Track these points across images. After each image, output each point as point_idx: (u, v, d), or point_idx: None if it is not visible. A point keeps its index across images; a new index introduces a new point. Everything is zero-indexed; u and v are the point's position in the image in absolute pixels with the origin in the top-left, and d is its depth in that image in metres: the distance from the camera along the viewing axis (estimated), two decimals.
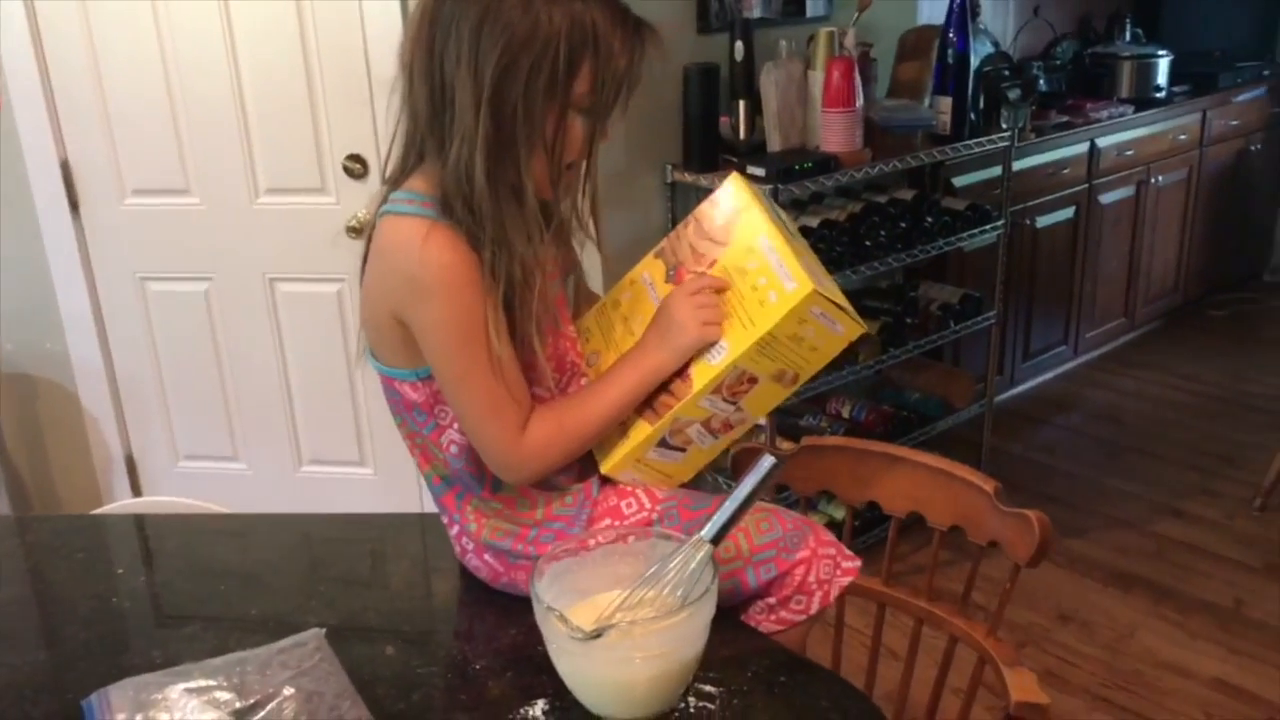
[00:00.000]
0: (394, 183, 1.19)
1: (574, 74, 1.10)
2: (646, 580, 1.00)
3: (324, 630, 1.13)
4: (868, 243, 2.72)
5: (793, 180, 2.52)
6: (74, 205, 2.71)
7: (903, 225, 2.79)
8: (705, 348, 1.21)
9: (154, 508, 1.60)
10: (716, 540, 1.00)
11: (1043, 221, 3.65)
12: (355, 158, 2.58)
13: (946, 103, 2.86)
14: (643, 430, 1.25)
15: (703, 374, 1.22)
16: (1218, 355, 4.26)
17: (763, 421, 2.41)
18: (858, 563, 1.30)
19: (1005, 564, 1.45)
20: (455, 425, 1.21)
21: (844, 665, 1.65)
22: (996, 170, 3.22)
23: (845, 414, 3.00)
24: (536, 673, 1.07)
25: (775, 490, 2.70)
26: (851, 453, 1.66)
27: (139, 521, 1.55)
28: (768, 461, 0.99)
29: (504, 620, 1.21)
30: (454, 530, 1.29)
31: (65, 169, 2.68)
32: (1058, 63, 4.11)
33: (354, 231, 2.59)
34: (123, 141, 2.65)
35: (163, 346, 2.86)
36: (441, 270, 1.10)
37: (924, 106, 2.88)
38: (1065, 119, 3.70)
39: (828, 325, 1.20)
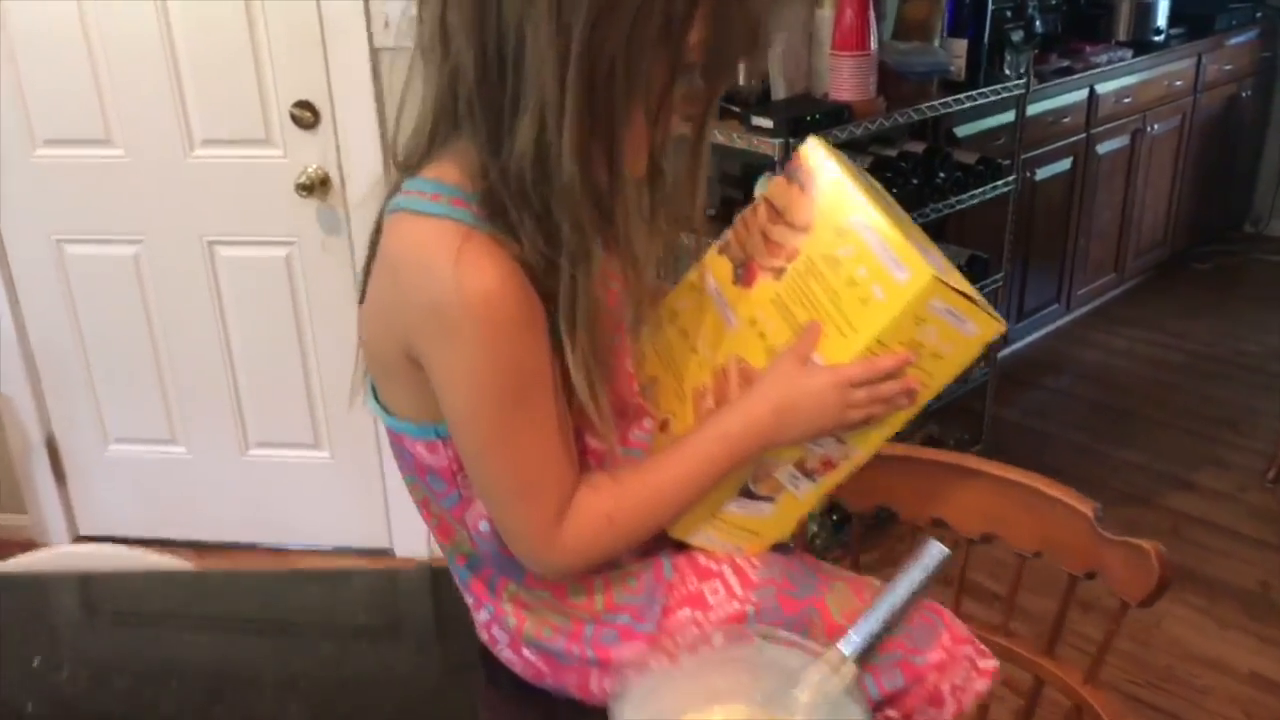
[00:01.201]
0: (410, 166, 0.89)
1: (691, 16, 0.80)
2: (765, 702, 0.75)
3: None
4: None
5: (804, 132, 2.23)
6: None
7: (915, 182, 2.54)
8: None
9: (87, 559, 1.29)
10: (862, 659, 0.74)
11: (1041, 174, 3.43)
12: (305, 105, 2.25)
13: (961, 45, 2.61)
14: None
15: None
16: (1206, 311, 4.11)
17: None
18: (995, 662, 1.05)
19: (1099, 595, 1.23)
20: None
21: None
22: (999, 120, 2.99)
23: None
24: None
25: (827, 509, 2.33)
26: (916, 463, 1.43)
27: (66, 585, 1.22)
28: (936, 551, 0.74)
29: None
30: (482, 616, 1.01)
31: None
32: (1052, 2, 3.86)
33: (304, 189, 2.28)
34: (31, 83, 2.29)
35: (86, 317, 2.52)
36: (481, 300, 0.81)
37: (937, 49, 2.61)
38: (1065, 64, 3.47)
39: (955, 324, 0.92)
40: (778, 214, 1.01)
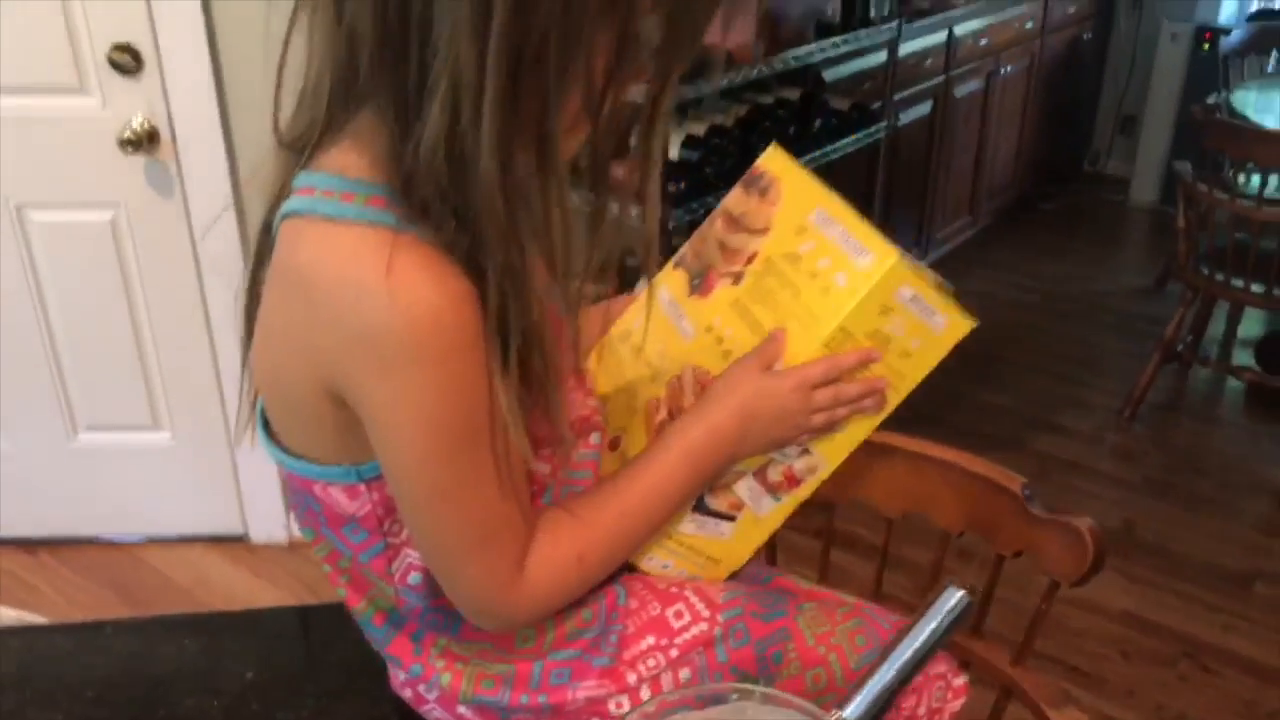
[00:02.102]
0: (304, 153, 0.71)
1: None
2: None
3: None
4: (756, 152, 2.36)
5: (680, 82, 2.11)
6: None
7: (792, 129, 2.45)
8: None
9: None
10: None
11: (904, 118, 3.40)
12: (124, 48, 1.99)
13: None
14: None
15: None
16: (1055, 251, 4.21)
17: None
18: (965, 679, 1.00)
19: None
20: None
21: None
22: (863, 63, 2.92)
23: None
24: None
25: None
26: None
27: None
28: (955, 597, 0.64)
29: None
30: (402, 677, 0.87)
31: None
32: None
33: (130, 145, 2.02)
34: None
35: None
36: (428, 323, 0.65)
37: None
38: (925, 5, 3.43)
39: (923, 317, 0.86)
40: (735, 222, 0.93)
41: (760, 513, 0.90)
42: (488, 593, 0.76)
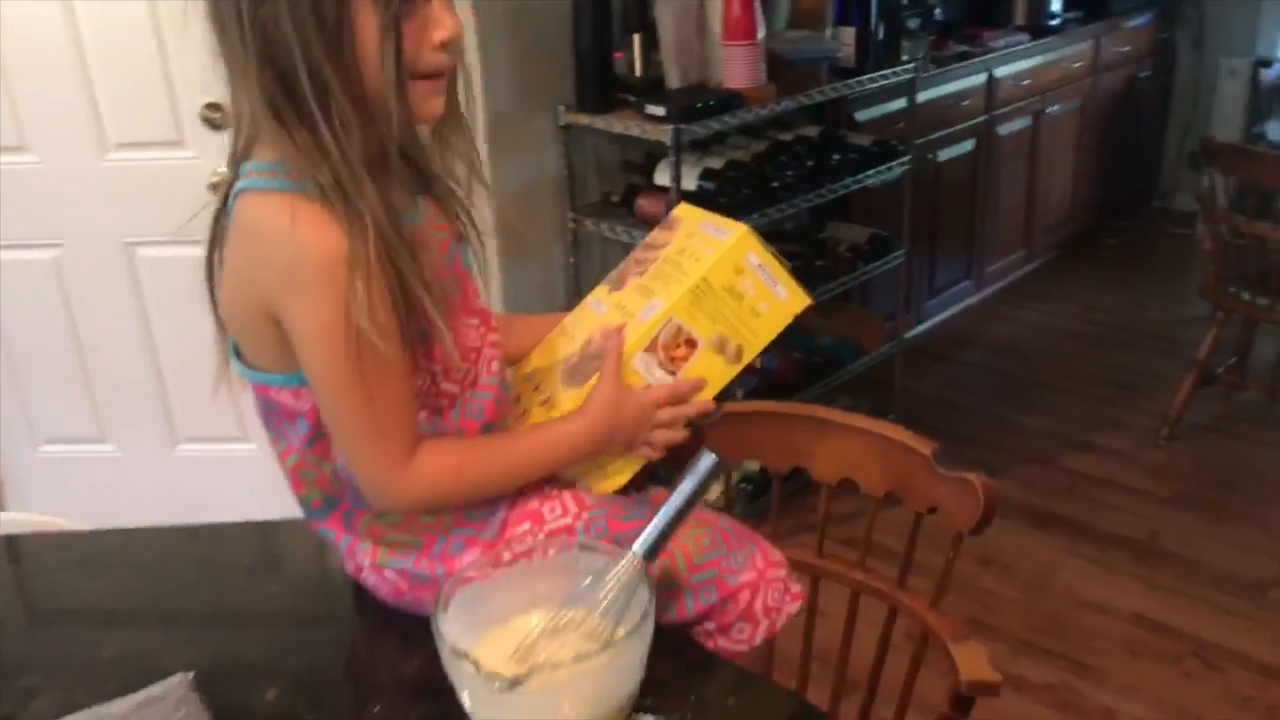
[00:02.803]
0: (242, 153, 0.99)
1: None
2: (572, 601, 0.86)
3: (191, 675, 0.96)
4: (775, 184, 2.58)
5: (695, 119, 2.36)
6: None
7: (810, 164, 2.66)
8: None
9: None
10: (651, 555, 0.85)
11: (944, 155, 3.57)
12: (214, 106, 2.33)
13: (850, 33, 2.74)
14: (568, 399, 1.12)
15: (636, 331, 1.11)
16: (1113, 284, 4.28)
17: None
18: (802, 589, 1.20)
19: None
20: None
21: (780, 643, 1.55)
22: (898, 104, 3.12)
23: (756, 364, 2.88)
24: (448, 709, 0.91)
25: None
26: (776, 418, 1.55)
27: None
28: (708, 460, 0.85)
29: (407, 646, 1.04)
30: (342, 547, 1.12)
31: None
32: None
33: (217, 188, 2.35)
34: None
35: (9, 321, 2.58)
36: (317, 254, 0.91)
37: (827, 36, 2.74)
38: (964, 49, 3.61)
39: (768, 284, 1.12)
40: (649, 246, 1.22)
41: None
42: (378, 475, 1.01)
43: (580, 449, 1.09)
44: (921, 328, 3.77)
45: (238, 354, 1.07)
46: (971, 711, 1.33)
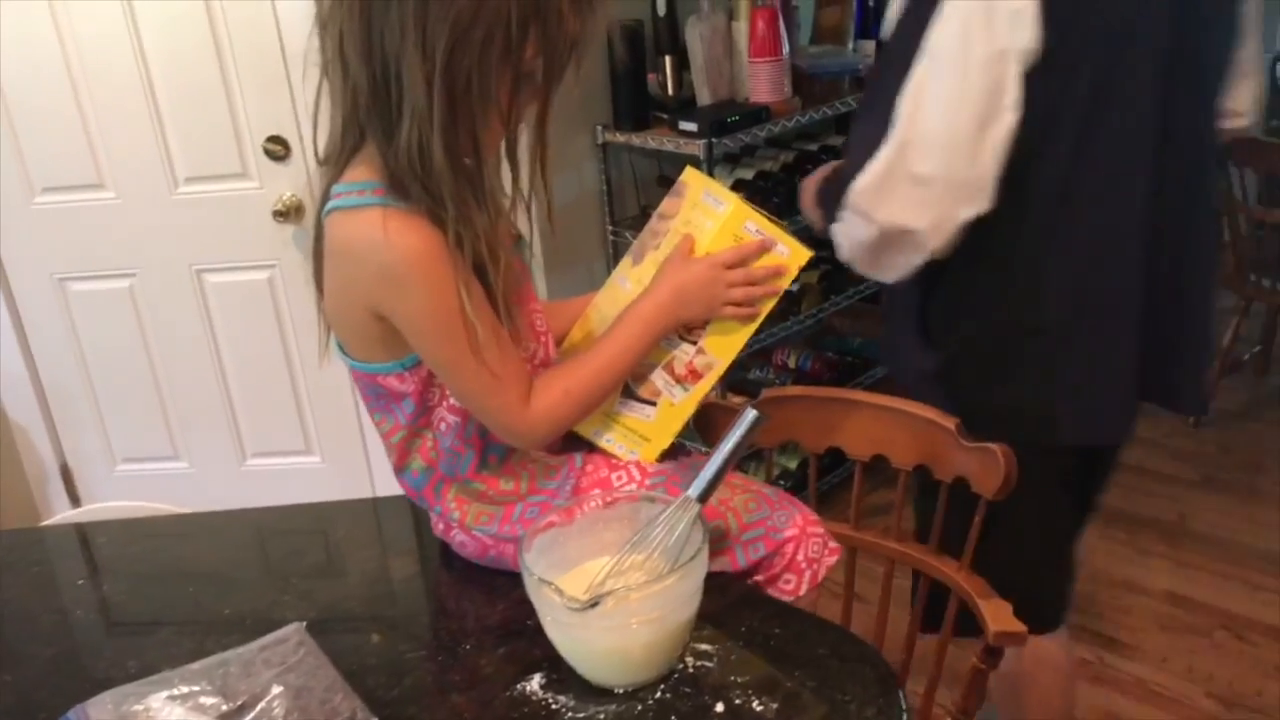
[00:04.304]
0: (333, 175, 1.13)
1: (525, 40, 1.05)
2: (635, 544, 0.99)
3: (304, 624, 1.10)
4: None
5: (725, 133, 2.50)
6: None
7: None
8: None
9: (100, 514, 1.54)
10: (703, 498, 0.99)
11: None
12: (276, 139, 2.50)
13: (870, 46, 2.86)
14: None
15: None
16: None
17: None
18: (839, 545, 1.32)
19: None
20: (446, 402, 1.18)
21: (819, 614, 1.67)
22: None
23: (791, 364, 3.02)
24: (530, 646, 1.05)
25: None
26: (811, 401, 1.67)
27: (89, 530, 1.49)
28: (750, 415, 0.98)
29: (491, 596, 1.19)
30: (435, 514, 1.26)
31: None
32: None
33: (280, 215, 2.53)
34: (27, 138, 2.53)
35: (89, 348, 2.76)
36: (413, 254, 1.06)
37: (849, 51, 2.88)
38: None
39: (770, 245, 1.24)
40: (662, 217, 1.32)
41: (675, 400, 1.26)
42: (507, 418, 1.16)
43: (655, 322, 1.21)
44: None
45: (342, 350, 1.21)
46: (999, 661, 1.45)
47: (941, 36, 1.25)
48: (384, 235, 1.05)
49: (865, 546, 1.63)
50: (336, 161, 1.13)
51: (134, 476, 2.90)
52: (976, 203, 1.31)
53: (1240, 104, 1.56)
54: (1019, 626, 1.40)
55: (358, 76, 1.05)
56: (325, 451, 2.85)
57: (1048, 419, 1.52)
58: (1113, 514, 2.85)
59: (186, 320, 2.71)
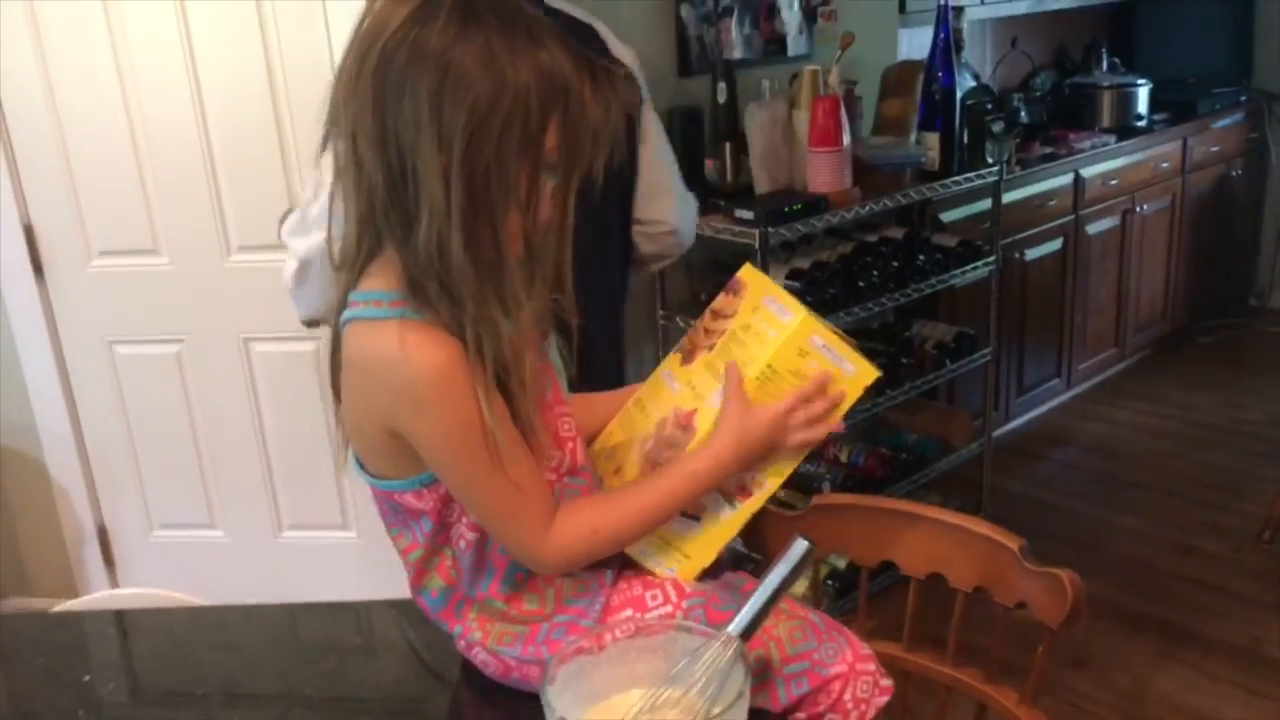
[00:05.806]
0: (350, 281, 1.07)
1: (545, 129, 0.99)
2: (671, 680, 0.91)
3: None
4: (860, 283, 2.65)
5: (782, 222, 2.45)
6: (38, 269, 2.62)
7: (895, 264, 2.73)
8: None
9: (122, 601, 1.49)
10: (747, 635, 0.90)
11: (1031, 254, 3.60)
12: None
13: (934, 138, 2.81)
14: None
15: (705, 417, 1.16)
16: (1209, 383, 4.21)
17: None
18: (892, 683, 1.21)
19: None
20: (465, 519, 1.11)
21: None
22: (984, 204, 3.17)
23: (844, 459, 2.92)
24: None
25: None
26: (865, 511, 1.58)
27: (105, 620, 1.43)
28: (800, 546, 0.90)
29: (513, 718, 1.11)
30: (456, 633, 1.18)
31: (29, 232, 2.59)
32: (1037, 94, 4.09)
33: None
34: (88, 203, 2.56)
35: (133, 412, 2.75)
36: (430, 371, 1.00)
37: (911, 143, 2.83)
38: (1049, 150, 3.67)
39: (835, 362, 1.15)
40: (716, 314, 1.25)
41: (721, 517, 1.17)
42: (525, 544, 1.08)
43: (708, 477, 1.13)
44: (1011, 425, 3.75)
45: (359, 464, 1.14)
46: None
47: None
48: (400, 350, 0.99)
49: (916, 670, 1.53)
50: (353, 266, 1.07)
51: (170, 543, 2.86)
52: None
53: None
54: None
55: (373, 175, 1.00)
56: (361, 528, 2.79)
57: None
58: (1180, 633, 2.70)
59: (231, 388, 2.68)
